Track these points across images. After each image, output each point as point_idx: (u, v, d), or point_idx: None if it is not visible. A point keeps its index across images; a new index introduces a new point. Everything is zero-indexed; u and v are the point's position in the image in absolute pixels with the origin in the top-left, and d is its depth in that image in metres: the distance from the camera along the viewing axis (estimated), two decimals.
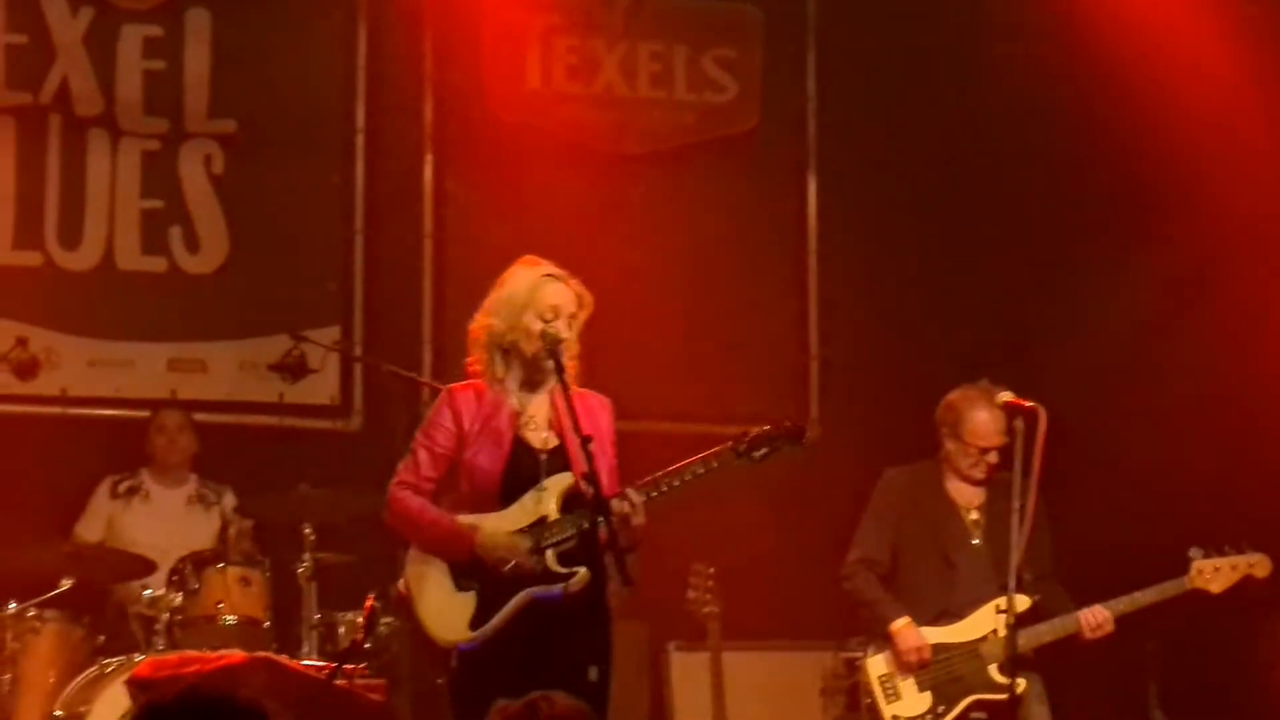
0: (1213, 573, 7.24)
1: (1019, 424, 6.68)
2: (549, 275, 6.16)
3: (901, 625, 7.28)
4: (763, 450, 6.20)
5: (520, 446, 6.14)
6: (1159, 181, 9.04)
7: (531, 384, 6.19)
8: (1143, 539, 8.20)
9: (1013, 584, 6.60)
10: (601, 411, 6.21)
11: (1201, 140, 8.90)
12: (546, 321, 6.08)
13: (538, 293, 6.12)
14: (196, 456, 8.75)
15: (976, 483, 7.41)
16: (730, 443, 6.17)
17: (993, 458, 7.33)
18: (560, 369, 6.01)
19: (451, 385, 6.28)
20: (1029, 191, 9.69)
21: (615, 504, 5.95)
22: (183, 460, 8.73)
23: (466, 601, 6.07)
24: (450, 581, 6.10)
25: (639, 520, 5.99)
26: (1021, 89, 9.53)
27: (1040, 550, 7.12)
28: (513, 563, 6.01)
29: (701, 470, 6.10)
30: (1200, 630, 8.04)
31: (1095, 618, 7.20)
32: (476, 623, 6.05)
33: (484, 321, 6.19)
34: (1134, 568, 7.49)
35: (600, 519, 5.85)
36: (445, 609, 6.09)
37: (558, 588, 6.03)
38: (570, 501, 6.08)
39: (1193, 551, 7.25)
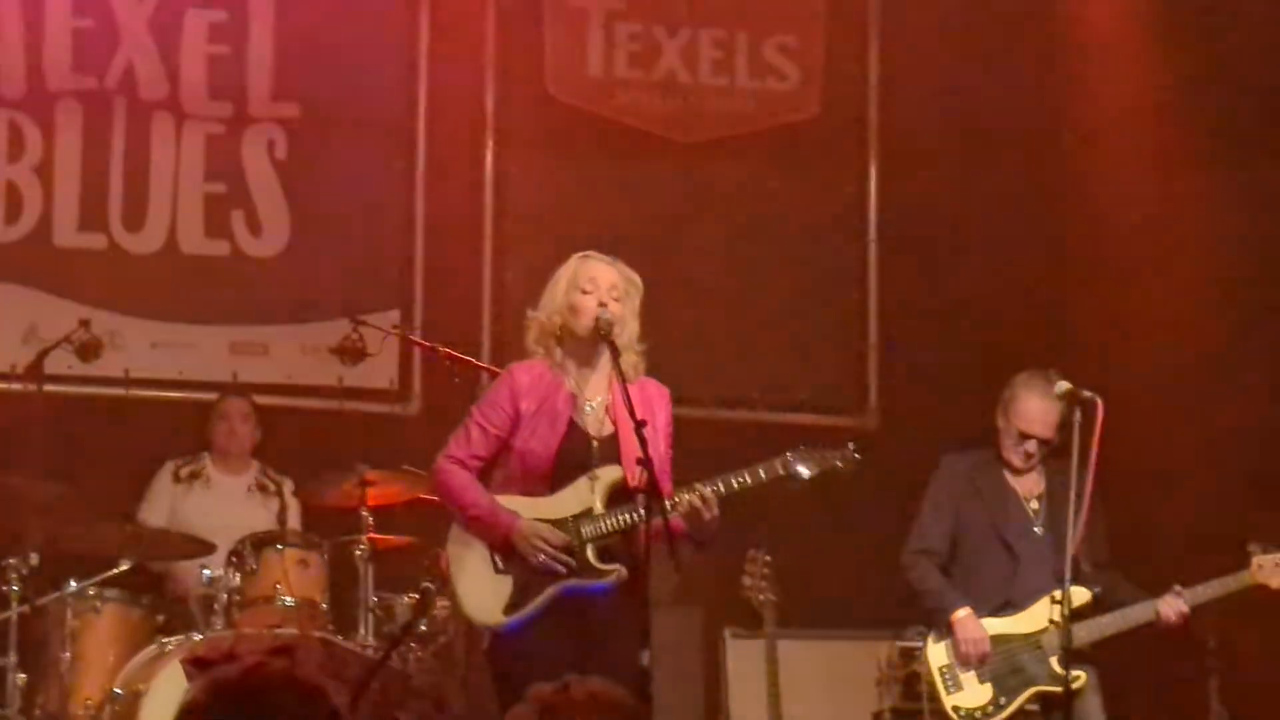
0: (1273, 568, 7.13)
1: (1076, 415, 6.64)
2: (585, 255, 6.18)
3: (963, 616, 7.22)
4: (814, 469, 6.15)
5: (575, 431, 6.11)
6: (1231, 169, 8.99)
7: (589, 363, 6.15)
8: (1203, 532, 8.14)
9: (1068, 577, 6.56)
10: (660, 401, 6.18)
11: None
12: (585, 293, 6.06)
13: (574, 271, 6.13)
14: (258, 444, 8.80)
15: (1015, 470, 7.35)
16: (785, 455, 6.11)
17: (1030, 447, 7.24)
18: (615, 355, 5.99)
19: (514, 364, 6.26)
20: (1095, 177, 9.61)
21: (685, 497, 5.94)
22: (243, 450, 8.77)
23: (503, 584, 6.04)
24: (490, 562, 6.07)
25: (712, 514, 5.97)
26: (1089, 74, 9.47)
27: (1097, 540, 7.08)
28: (543, 558, 6.00)
29: (749, 481, 6.04)
30: (1265, 624, 7.97)
31: (1175, 607, 7.14)
32: (511, 608, 6.02)
33: (531, 319, 6.19)
34: (1194, 562, 7.44)
35: (652, 505, 5.79)
36: (482, 590, 6.06)
37: (592, 583, 6.01)
38: (616, 496, 6.05)
39: (1252, 546, 7.16)
